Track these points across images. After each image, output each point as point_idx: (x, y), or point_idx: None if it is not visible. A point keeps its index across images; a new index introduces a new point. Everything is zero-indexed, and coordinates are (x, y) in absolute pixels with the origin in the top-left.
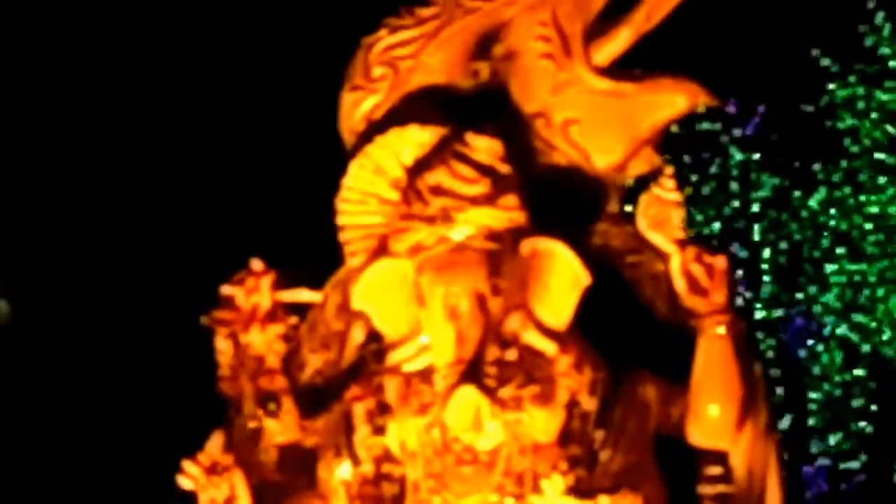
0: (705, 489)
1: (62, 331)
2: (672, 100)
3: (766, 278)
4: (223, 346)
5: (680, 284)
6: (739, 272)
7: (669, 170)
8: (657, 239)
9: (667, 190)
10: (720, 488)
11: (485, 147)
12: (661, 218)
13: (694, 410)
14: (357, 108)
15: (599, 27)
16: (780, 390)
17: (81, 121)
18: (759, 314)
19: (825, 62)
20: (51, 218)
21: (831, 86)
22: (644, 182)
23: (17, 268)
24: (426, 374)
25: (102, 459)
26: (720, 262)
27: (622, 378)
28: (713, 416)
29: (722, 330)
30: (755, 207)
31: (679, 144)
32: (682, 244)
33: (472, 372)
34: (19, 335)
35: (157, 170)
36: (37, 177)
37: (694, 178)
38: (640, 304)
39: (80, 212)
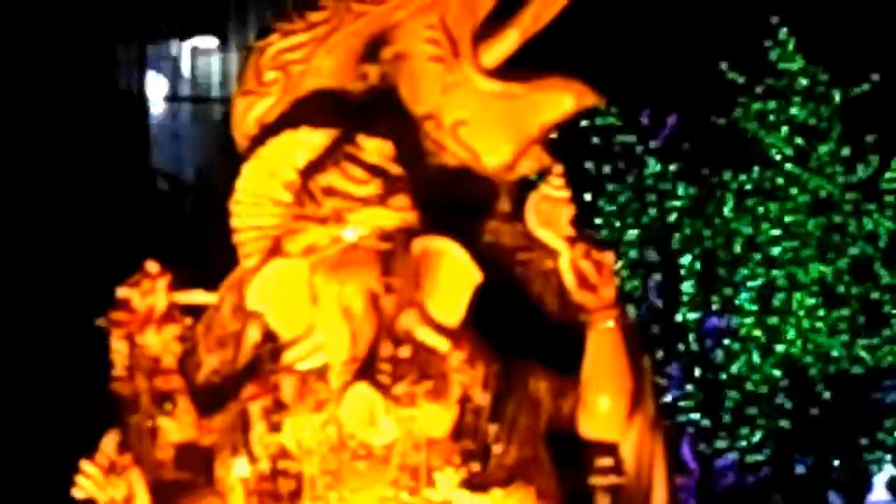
0: (597, 480)
1: None
2: (559, 100)
3: (684, 283)
4: (119, 347)
5: (569, 280)
6: (658, 276)
7: (558, 168)
8: (547, 236)
9: (556, 188)
10: (611, 479)
11: (375, 148)
12: (550, 215)
13: (584, 403)
14: (249, 111)
15: (488, 29)
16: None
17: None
18: (677, 316)
19: (733, 76)
20: None
21: (742, 99)
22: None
23: None
24: (321, 373)
25: None
26: (608, 258)
27: (514, 372)
28: (603, 408)
29: (611, 324)
30: (671, 216)
31: (594, 154)
32: (571, 241)
33: (366, 369)
34: None
35: (56, 173)
36: None
37: (612, 187)
38: (531, 300)
39: None
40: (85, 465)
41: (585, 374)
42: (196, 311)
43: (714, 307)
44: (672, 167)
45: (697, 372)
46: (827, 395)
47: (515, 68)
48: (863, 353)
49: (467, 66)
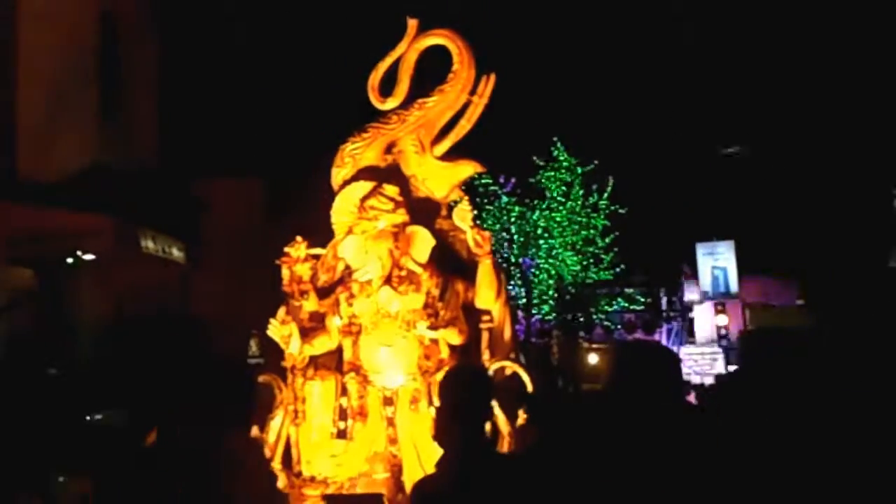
0: (483, 325)
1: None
2: (466, 168)
3: (515, 248)
4: (285, 273)
5: (471, 243)
6: (505, 244)
7: (465, 197)
8: (462, 225)
9: (464, 205)
10: (489, 325)
11: (391, 190)
12: (463, 216)
13: (477, 292)
14: (338, 175)
15: (437, 138)
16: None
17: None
18: (514, 260)
19: (539, 161)
20: None
21: (541, 170)
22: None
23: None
24: (370, 282)
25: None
26: (487, 234)
27: (449, 280)
28: (486, 294)
29: (488, 260)
30: (512, 219)
31: (480, 195)
32: (471, 227)
33: (388, 280)
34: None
35: None
36: None
37: (487, 208)
38: (455, 251)
39: None
40: (272, 320)
41: (477, 280)
42: (318, 257)
43: (529, 256)
44: (513, 199)
45: (522, 283)
46: (574, 291)
47: (450, 154)
48: (592, 276)
49: (429, 155)
